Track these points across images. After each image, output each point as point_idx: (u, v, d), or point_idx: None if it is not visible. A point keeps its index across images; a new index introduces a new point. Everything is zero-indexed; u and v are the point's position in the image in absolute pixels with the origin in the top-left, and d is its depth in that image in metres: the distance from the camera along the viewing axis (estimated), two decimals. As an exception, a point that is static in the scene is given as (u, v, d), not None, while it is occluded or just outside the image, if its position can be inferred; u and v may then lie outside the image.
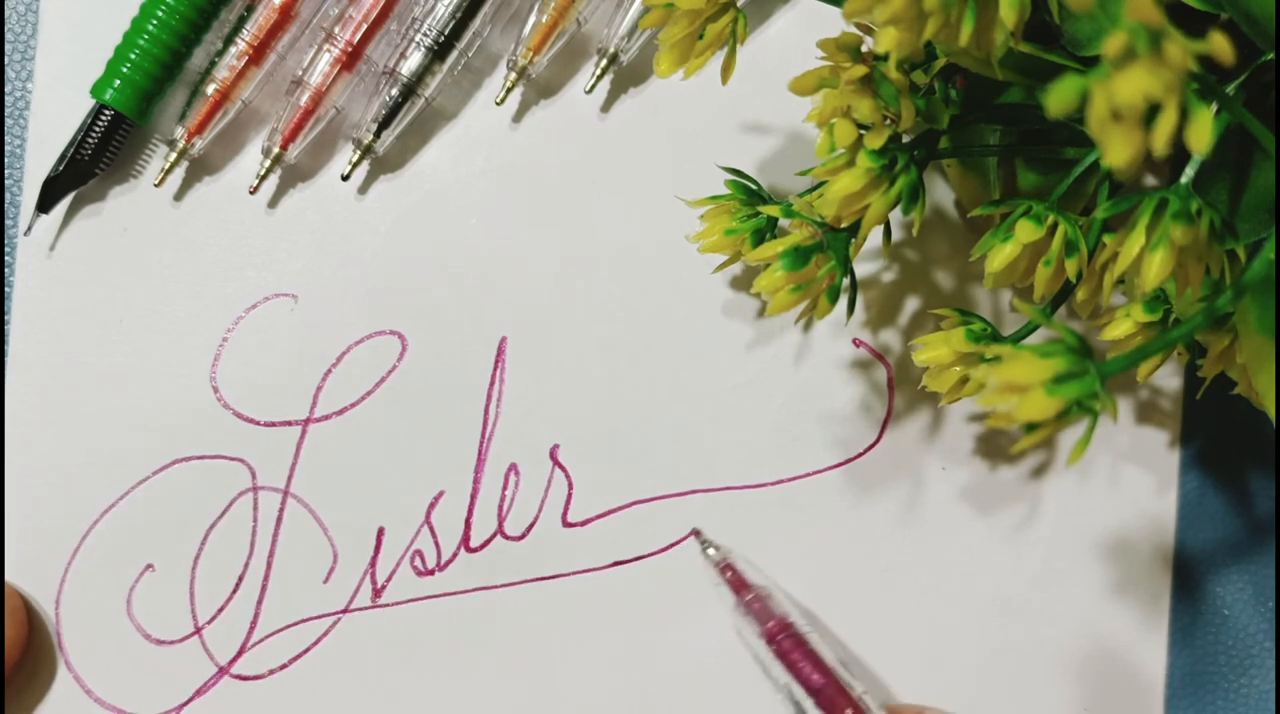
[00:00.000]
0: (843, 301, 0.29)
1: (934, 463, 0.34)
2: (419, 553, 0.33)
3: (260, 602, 0.33)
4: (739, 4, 0.27)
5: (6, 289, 0.33)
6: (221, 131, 0.33)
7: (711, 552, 0.32)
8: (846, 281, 0.28)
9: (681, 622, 0.33)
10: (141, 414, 0.33)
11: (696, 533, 0.33)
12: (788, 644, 0.30)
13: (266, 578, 0.33)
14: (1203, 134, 0.18)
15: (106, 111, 0.32)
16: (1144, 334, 0.29)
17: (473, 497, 0.33)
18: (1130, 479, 0.34)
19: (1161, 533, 0.34)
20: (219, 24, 0.33)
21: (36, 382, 0.33)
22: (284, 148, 0.33)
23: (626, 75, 0.34)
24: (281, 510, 0.33)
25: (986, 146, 0.30)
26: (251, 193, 0.33)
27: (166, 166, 0.33)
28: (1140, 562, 0.33)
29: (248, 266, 0.34)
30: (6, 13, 0.34)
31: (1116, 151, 0.18)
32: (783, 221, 0.30)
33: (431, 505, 0.33)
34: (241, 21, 0.33)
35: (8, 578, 0.33)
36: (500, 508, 0.33)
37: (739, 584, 0.32)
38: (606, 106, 0.34)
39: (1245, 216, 0.26)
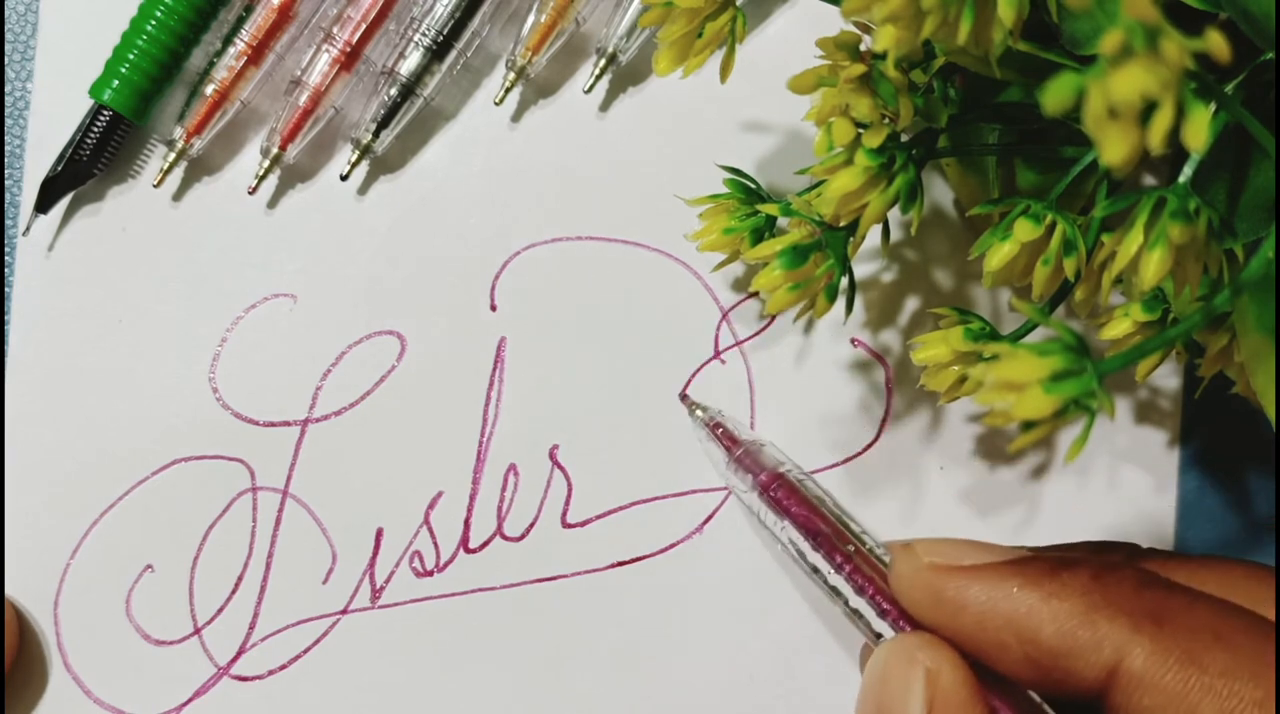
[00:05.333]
0: (841, 301, 0.29)
1: (933, 463, 0.34)
2: (418, 554, 0.33)
3: (259, 602, 0.33)
4: (738, 2, 0.27)
5: (6, 289, 0.33)
6: (220, 132, 0.33)
7: (699, 413, 0.32)
8: (845, 281, 0.28)
9: (681, 622, 0.33)
10: (140, 414, 0.33)
11: (684, 397, 0.33)
12: (781, 493, 0.29)
13: (265, 578, 0.33)
14: (1199, 132, 0.17)
15: (105, 112, 0.32)
16: (1142, 333, 0.29)
17: (472, 497, 0.33)
18: (1129, 479, 0.34)
19: (1161, 532, 0.33)
20: (218, 24, 0.33)
21: (35, 382, 0.33)
22: (283, 148, 0.33)
23: (625, 75, 0.34)
24: (280, 511, 0.33)
25: (985, 145, 0.30)
26: (250, 193, 0.33)
27: (165, 167, 0.33)
28: (1140, 561, 0.33)
29: (247, 266, 0.34)
30: (6, 13, 0.34)
31: (1113, 149, 0.18)
32: (781, 220, 0.30)
33: (430, 506, 0.33)
34: (240, 21, 0.33)
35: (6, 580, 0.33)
36: (499, 508, 0.33)
37: (729, 440, 0.31)
38: (605, 106, 0.34)
39: (1244, 216, 0.26)
